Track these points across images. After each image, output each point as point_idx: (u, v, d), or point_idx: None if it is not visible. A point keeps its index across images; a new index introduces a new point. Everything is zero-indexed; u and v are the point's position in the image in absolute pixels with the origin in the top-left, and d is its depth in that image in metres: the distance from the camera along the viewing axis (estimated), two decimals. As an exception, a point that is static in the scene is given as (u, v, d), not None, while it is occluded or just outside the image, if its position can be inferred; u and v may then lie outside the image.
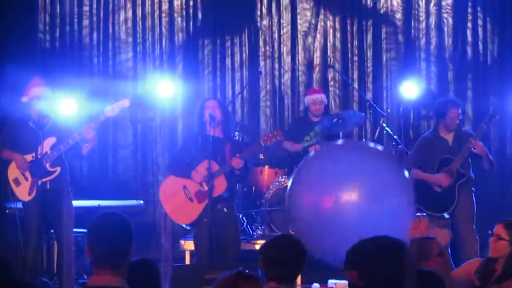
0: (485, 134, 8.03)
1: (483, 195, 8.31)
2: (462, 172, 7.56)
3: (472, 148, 7.53)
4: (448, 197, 7.55)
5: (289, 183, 7.06)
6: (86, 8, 9.73)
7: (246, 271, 3.17)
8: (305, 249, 4.16)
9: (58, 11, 9.67)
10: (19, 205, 7.08)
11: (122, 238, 3.24)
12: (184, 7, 9.82)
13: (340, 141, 7.82)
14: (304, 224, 6.69)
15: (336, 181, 6.60)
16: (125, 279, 3.25)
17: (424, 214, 7.42)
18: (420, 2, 9.81)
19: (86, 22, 9.75)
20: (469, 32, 9.70)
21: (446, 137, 7.74)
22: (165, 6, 9.80)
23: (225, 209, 7.01)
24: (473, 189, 7.73)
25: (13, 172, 7.08)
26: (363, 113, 9.24)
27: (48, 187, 7.02)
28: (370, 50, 9.86)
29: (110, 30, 9.76)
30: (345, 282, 3.43)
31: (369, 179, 6.54)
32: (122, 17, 9.78)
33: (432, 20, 9.79)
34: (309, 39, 9.91)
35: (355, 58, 9.87)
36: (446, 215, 7.59)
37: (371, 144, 7.37)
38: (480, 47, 9.67)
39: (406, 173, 6.83)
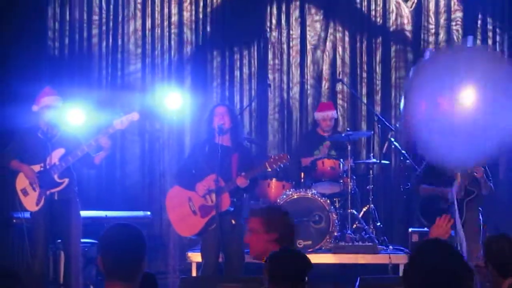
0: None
1: (491, 211, 8.27)
2: (471, 189, 7.52)
3: (474, 173, 7.50)
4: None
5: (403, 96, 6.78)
6: (95, 17, 9.77)
7: None
8: (310, 263, 4.13)
9: (67, 19, 9.71)
10: (27, 215, 7.08)
11: (135, 250, 3.22)
12: (193, 19, 9.85)
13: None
14: (421, 129, 6.52)
15: (455, 82, 6.41)
16: (137, 291, 3.24)
17: None
18: (430, 19, 9.82)
19: (95, 31, 9.78)
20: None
21: None
22: (174, 18, 9.83)
23: (232, 221, 7.00)
24: (480, 208, 7.69)
25: (21, 182, 7.07)
26: (372, 132, 9.26)
27: (56, 198, 7.01)
28: (379, 64, 9.87)
29: (119, 41, 9.79)
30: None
31: (491, 82, 6.34)
32: (131, 28, 9.81)
33: (442, 36, 9.79)
34: (318, 52, 9.92)
35: (364, 72, 9.88)
36: (452, 232, 7.55)
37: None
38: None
39: None
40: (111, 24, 9.80)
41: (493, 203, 8.28)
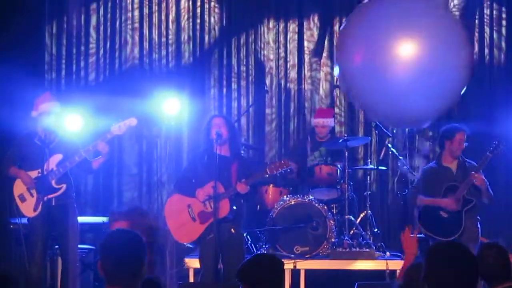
0: (490, 162, 7.87)
1: (490, 220, 8.29)
2: (468, 198, 7.51)
3: (474, 181, 7.48)
4: (454, 223, 7.48)
5: (339, 39, 6.44)
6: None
7: None
8: (283, 268, 4.14)
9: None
10: (24, 221, 7.07)
11: (135, 255, 3.23)
12: (191, 25, 9.86)
13: None
14: (353, 82, 6.25)
15: (391, 33, 6.10)
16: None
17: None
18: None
19: (94, 21, 9.79)
20: (476, 54, 9.68)
21: (450, 165, 7.69)
22: (172, 24, 9.84)
23: (232, 230, 7.00)
24: (478, 217, 7.68)
25: (18, 188, 7.07)
26: (370, 138, 9.26)
27: (53, 204, 7.01)
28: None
29: (117, 45, 9.80)
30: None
31: (427, 31, 6.04)
32: (129, 34, 9.81)
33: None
34: (316, 58, 9.92)
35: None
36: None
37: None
38: (487, 69, 9.67)
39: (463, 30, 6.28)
40: (108, 30, 9.82)
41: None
